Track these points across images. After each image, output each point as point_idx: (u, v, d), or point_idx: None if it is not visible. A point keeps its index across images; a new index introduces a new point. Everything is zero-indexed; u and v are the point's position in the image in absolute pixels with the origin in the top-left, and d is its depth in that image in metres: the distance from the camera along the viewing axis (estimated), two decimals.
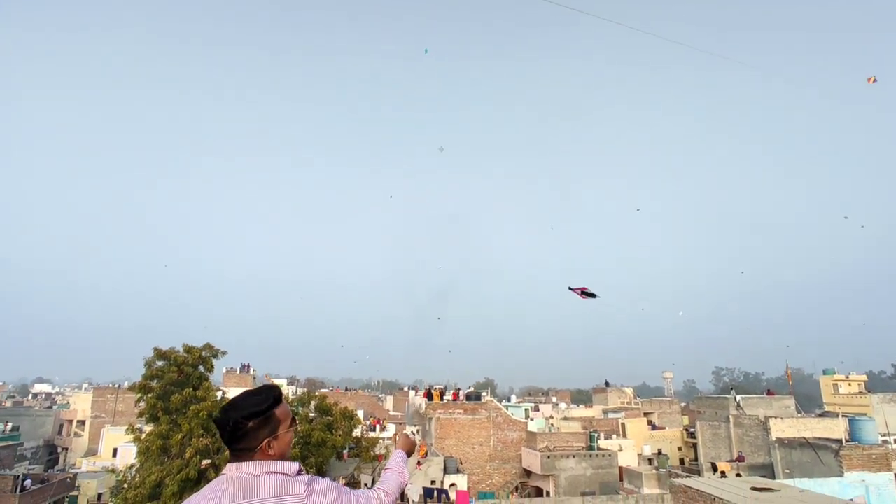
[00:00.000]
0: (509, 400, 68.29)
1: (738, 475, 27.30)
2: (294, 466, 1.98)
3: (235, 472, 1.91)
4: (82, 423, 56.02)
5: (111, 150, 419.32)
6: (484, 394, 41.11)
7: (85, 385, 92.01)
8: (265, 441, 1.94)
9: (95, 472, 41.76)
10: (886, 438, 34.72)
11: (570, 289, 19.39)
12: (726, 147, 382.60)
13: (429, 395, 39.77)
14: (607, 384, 73.68)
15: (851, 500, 20.03)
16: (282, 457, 2.00)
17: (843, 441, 25.76)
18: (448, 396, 39.40)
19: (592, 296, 19.08)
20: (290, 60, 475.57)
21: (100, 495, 39.83)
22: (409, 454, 2.56)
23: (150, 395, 21.42)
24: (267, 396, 2.00)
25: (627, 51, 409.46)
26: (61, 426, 58.04)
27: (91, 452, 50.91)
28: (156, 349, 22.40)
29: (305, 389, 47.88)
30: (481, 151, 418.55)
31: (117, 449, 43.29)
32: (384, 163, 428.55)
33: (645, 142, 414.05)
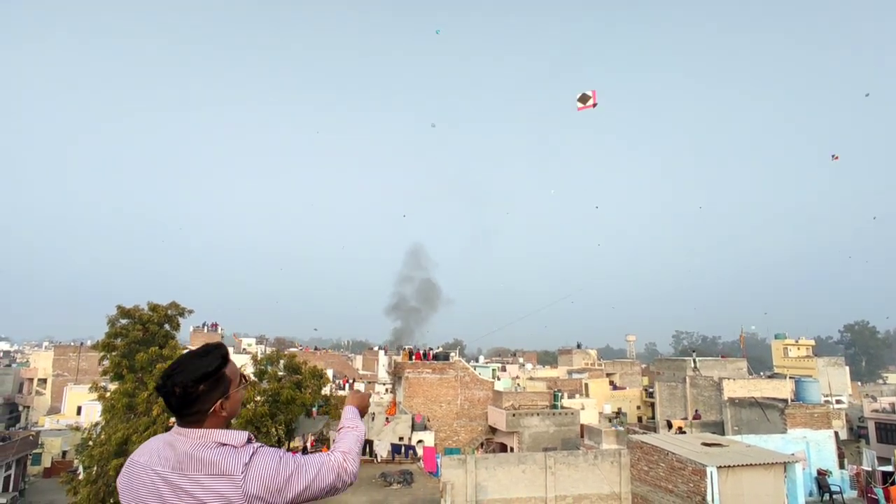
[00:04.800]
0: (477, 360, 69.85)
1: (683, 431, 28.82)
2: (243, 436, 1.87)
3: (181, 438, 1.83)
4: (44, 381, 54.99)
5: (76, 102, 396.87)
6: (452, 354, 41.87)
7: (45, 343, 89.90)
8: (218, 402, 1.85)
9: (59, 430, 41.34)
10: (828, 399, 37.05)
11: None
12: (710, 116, 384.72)
13: (410, 356, 40.10)
14: (579, 346, 75.88)
15: (793, 454, 21.40)
16: (232, 416, 1.93)
17: (789, 400, 27.32)
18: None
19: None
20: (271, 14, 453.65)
21: (64, 453, 39.57)
22: (361, 410, 2.38)
23: (114, 354, 21.12)
24: (215, 356, 1.87)
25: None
26: (21, 384, 56.87)
27: (54, 411, 50.24)
28: (119, 307, 21.94)
29: (274, 348, 47.97)
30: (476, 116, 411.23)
31: (81, 407, 42.87)
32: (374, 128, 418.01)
33: (630, 102, 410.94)
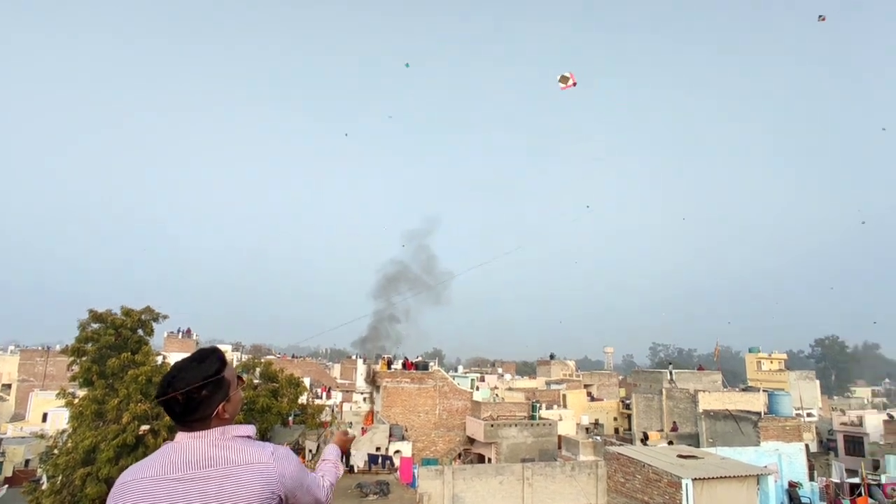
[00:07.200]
0: (456, 370, 69.67)
1: (670, 443, 29.09)
2: (253, 429, 1.92)
3: (198, 441, 1.81)
4: (8, 386, 53.20)
5: (33, 96, 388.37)
6: (432, 364, 41.70)
7: (11, 347, 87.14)
8: (220, 406, 1.85)
9: (23, 437, 39.93)
10: (800, 412, 37.83)
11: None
12: (690, 126, 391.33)
13: (389, 365, 39.87)
14: (552, 357, 76.23)
15: (765, 466, 21.74)
16: (233, 417, 1.93)
17: (762, 413, 27.82)
18: (396, 366, 39.75)
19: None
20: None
21: (27, 461, 38.23)
22: (344, 452, 2.50)
23: (84, 359, 20.55)
24: (213, 359, 1.87)
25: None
26: None
27: (18, 417, 48.60)
28: (91, 311, 21.39)
29: (251, 356, 47.18)
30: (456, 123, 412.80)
31: (47, 414, 41.50)
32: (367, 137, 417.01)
33: (615, 112, 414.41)
